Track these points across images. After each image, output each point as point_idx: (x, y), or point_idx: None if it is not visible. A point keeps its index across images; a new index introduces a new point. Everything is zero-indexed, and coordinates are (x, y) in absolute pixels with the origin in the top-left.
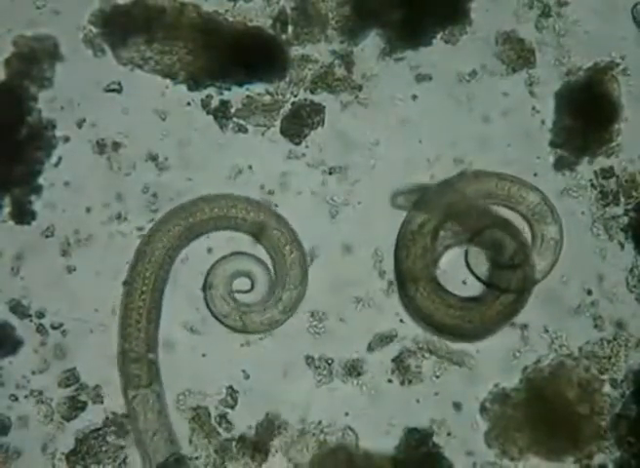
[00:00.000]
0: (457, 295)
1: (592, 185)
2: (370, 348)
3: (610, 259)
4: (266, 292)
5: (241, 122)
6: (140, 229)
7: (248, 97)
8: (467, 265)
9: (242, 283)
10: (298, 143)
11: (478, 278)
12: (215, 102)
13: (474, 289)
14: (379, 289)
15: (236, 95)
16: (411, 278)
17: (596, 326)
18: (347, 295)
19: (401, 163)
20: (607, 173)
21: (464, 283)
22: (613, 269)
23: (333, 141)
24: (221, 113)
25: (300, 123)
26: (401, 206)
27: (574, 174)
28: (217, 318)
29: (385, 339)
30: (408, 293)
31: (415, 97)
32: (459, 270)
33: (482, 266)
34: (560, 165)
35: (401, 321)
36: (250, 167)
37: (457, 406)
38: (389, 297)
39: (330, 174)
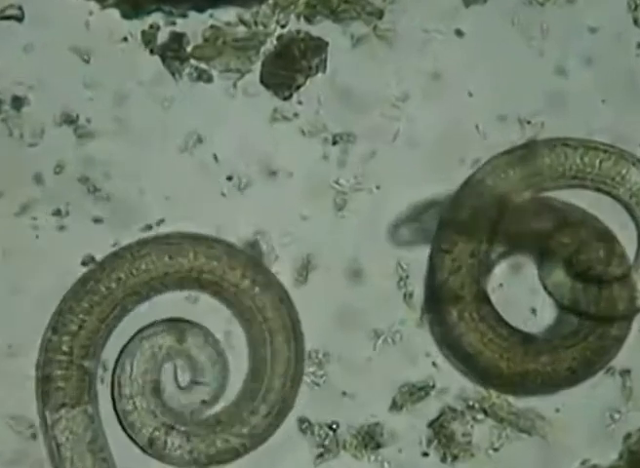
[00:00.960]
0: (520, 331)
1: None
2: (395, 406)
3: None
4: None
5: (202, 66)
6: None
7: (212, 27)
8: (543, 284)
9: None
10: (287, 98)
11: (558, 302)
12: (163, 36)
13: (548, 319)
14: (405, 318)
15: (195, 24)
16: (451, 298)
17: None
18: (360, 328)
19: (440, 127)
20: None
21: (534, 312)
22: None
23: (339, 95)
24: (173, 52)
25: (290, 67)
26: (407, 241)
27: None
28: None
29: (417, 393)
30: (445, 321)
31: (460, 32)
32: (524, 292)
33: (562, 285)
34: None
35: (434, 364)
36: (215, 156)
37: None
38: (422, 329)
39: (334, 143)
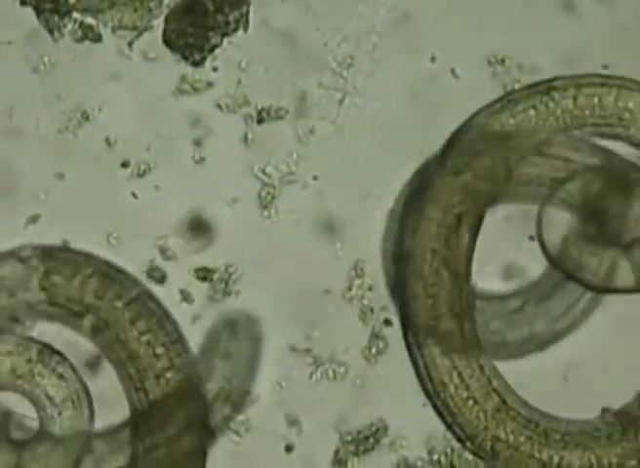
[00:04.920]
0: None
1: None
2: (338, 462)
3: None
4: None
5: (88, 20)
6: None
7: None
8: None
9: None
10: (198, 63)
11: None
12: None
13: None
14: (350, 345)
15: None
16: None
17: None
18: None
19: (398, 95)
20: None
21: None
22: None
23: (265, 59)
24: (51, 3)
25: (201, 23)
26: None
27: None
28: None
29: (364, 442)
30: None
31: None
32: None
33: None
34: None
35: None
36: (106, 141)
37: None
38: (373, 361)
39: (260, 122)
